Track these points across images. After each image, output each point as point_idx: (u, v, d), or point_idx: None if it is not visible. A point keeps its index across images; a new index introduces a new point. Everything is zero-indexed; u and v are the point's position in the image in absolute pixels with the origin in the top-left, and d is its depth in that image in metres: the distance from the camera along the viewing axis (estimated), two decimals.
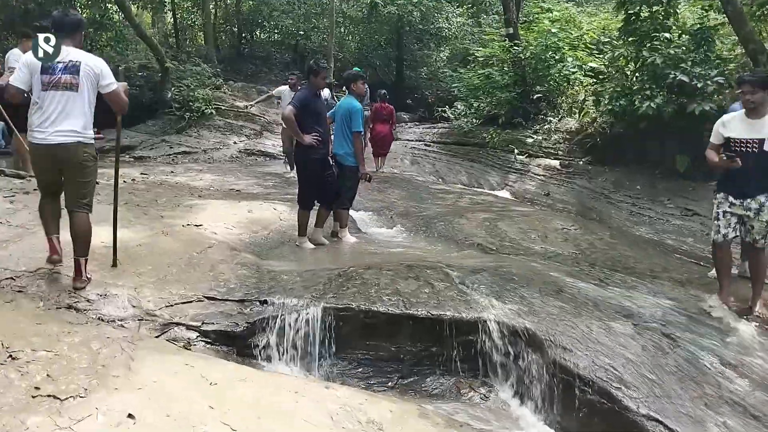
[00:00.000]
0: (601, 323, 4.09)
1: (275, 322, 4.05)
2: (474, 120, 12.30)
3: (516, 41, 11.77)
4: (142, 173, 8.79)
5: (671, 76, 8.34)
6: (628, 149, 9.45)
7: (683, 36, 8.94)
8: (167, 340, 3.75)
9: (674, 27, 9.13)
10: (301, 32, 23.24)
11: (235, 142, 13.92)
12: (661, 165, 9.03)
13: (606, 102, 9.13)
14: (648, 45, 9.07)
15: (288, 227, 6.20)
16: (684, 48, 8.79)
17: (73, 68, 3.83)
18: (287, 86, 10.23)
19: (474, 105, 12.70)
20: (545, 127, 10.90)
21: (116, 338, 3.19)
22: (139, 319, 3.83)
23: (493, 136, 11.36)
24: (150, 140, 13.69)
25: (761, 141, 4.53)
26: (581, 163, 9.86)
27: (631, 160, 9.36)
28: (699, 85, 8.16)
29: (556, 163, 10.08)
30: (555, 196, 9.29)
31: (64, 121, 3.83)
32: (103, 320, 3.72)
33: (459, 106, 13.09)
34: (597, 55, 11.53)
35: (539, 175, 10.05)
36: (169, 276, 4.35)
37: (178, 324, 3.86)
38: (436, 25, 21.40)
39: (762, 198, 4.61)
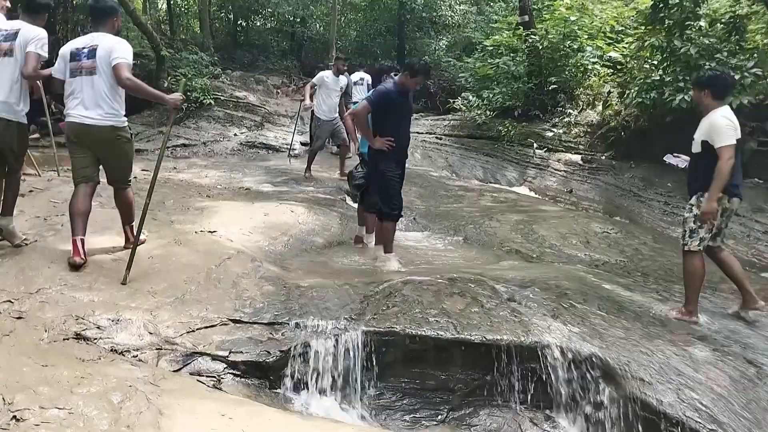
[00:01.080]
0: (677, 348, 3.65)
1: (310, 349, 3.57)
2: (487, 112, 11.78)
3: (532, 29, 11.25)
4: (143, 170, 8.23)
5: (706, 67, 7.85)
6: (655, 144, 8.96)
7: (716, 24, 8.44)
8: (191, 374, 3.27)
9: (705, 15, 8.62)
10: (299, 19, 22.57)
11: (235, 134, 13.34)
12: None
13: (634, 94, 8.64)
14: (677, 34, 8.60)
15: (308, 231, 5.71)
16: (717, 38, 8.32)
17: (92, 53, 4.01)
18: (329, 71, 9.17)
19: (486, 96, 12.17)
20: (565, 120, 10.39)
21: (138, 381, 2.70)
22: (157, 349, 3.35)
23: (509, 129, 10.85)
24: (146, 132, 13.09)
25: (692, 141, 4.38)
26: (604, 158, 9.39)
27: (658, 155, 8.86)
28: (736, 77, 7.68)
29: (577, 157, 9.60)
30: (579, 193, 8.83)
31: (91, 103, 4.02)
32: (116, 351, 3.24)
33: (470, 97, 12.55)
34: (616, 45, 11.03)
35: (560, 171, 9.58)
36: (188, 295, 3.86)
37: (202, 354, 3.38)
38: (438, 12, 20.79)
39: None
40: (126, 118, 4.22)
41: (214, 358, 3.37)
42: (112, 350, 3.24)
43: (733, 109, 7.61)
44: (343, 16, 22.57)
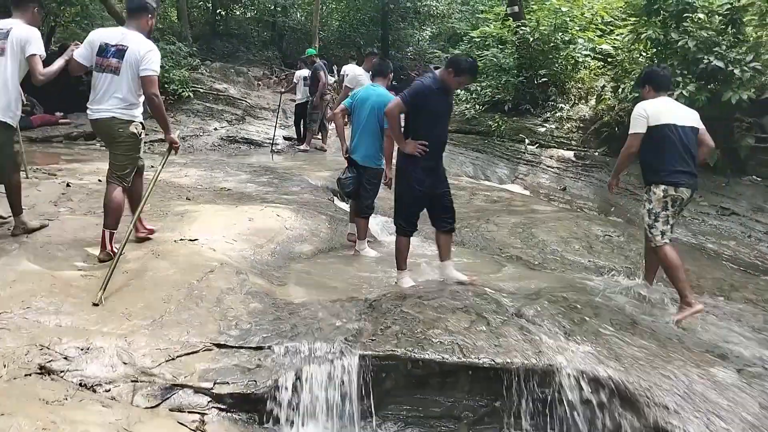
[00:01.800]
0: (699, 370, 3.38)
1: (303, 377, 3.25)
2: (476, 106, 11.46)
3: (523, 21, 10.95)
4: None
5: (705, 61, 7.62)
6: None
7: (713, 16, 8.20)
8: (170, 410, 2.93)
9: (701, 7, 8.37)
10: (280, 9, 22.05)
11: (216, 129, 12.88)
12: None
13: (629, 89, 8.39)
14: (672, 26, 8.36)
15: (296, 238, 5.37)
16: (714, 31, 8.08)
17: (120, 53, 4.01)
18: (360, 68, 8.35)
19: (474, 89, 11.84)
20: (557, 114, 10.13)
21: (110, 428, 2.35)
22: (132, 381, 3.00)
23: (499, 123, 10.55)
24: None
25: None
26: (597, 154, 9.15)
27: None
28: (736, 72, 7.46)
29: (570, 154, 9.34)
30: (573, 191, 8.58)
31: (106, 100, 4.07)
32: (86, 387, 2.88)
33: (458, 91, 12.22)
34: (607, 37, 10.79)
35: (552, 168, 9.32)
36: (167, 316, 3.50)
37: (183, 386, 3.03)
38: (423, 2, 20.42)
39: None
40: (137, 117, 4.22)
41: (197, 390, 3.03)
42: (81, 385, 2.88)
43: (728, 105, 7.51)
44: (324, 5, 22.10)
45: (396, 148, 4.55)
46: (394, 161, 5.44)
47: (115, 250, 4.03)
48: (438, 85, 4.24)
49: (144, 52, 4.01)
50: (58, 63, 4.19)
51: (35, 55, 4.06)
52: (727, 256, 6.35)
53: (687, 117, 4.40)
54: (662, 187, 4.27)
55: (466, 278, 4.30)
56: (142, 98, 4.19)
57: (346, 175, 5.34)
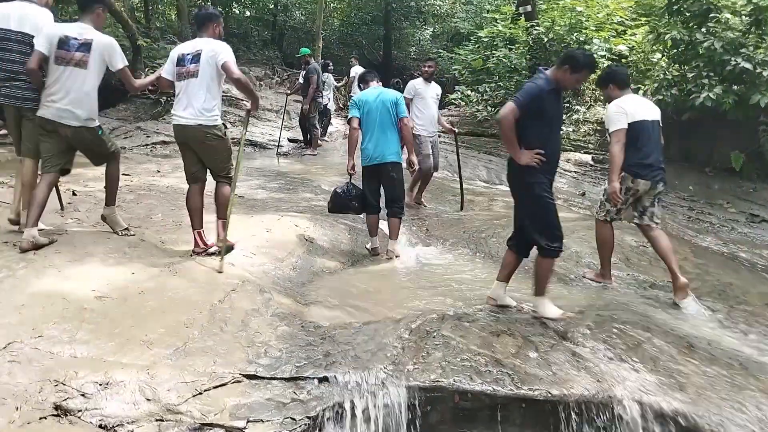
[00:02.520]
0: None
1: (343, 411, 2.96)
2: (488, 108, 11.17)
3: (536, 21, 10.67)
4: (123, 174, 7.45)
5: (732, 62, 7.37)
6: (671, 144, 8.48)
7: (739, 17, 7.95)
8: None
9: (725, 7, 8.12)
10: (280, 7, 21.73)
11: None
12: (710, 162, 8.12)
13: (652, 91, 8.14)
14: (694, 26, 8.11)
15: (317, 250, 5.08)
16: (739, 31, 7.84)
17: (196, 58, 4.24)
18: (419, 79, 7.51)
19: (483, 90, 11.55)
20: (572, 117, 9.86)
21: None
22: (157, 420, 2.70)
23: None
24: (123, 127, 12.23)
25: None
26: None
27: (674, 156, 8.40)
28: (764, 74, 7.23)
29: (587, 157, 9.09)
30: (592, 196, 8.30)
31: (188, 105, 4.28)
32: (107, 428, 2.59)
33: (468, 92, 11.95)
34: (621, 37, 10.53)
35: (570, 172, 9.05)
36: (191, 343, 3.21)
37: (213, 426, 2.73)
38: (427, 0, 20.13)
39: None
40: (218, 117, 4.36)
41: (229, 430, 2.74)
42: (101, 426, 2.59)
43: (755, 108, 7.27)
44: (326, 4, 21.79)
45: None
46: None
47: (227, 240, 4.39)
48: (552, 86, 3.66)
49: (216, 48, 4.24)
50: (149, 78, 4.79)
51: (125, 67, 4.35)
52: (762, 266, 6.08)
53: (654, 112, 4.61)
54: (623, 174, 4.50)
55: (560, 314, 3.84)
56: (218, 99, 4.36)
57: (341, 188, 5.39)
